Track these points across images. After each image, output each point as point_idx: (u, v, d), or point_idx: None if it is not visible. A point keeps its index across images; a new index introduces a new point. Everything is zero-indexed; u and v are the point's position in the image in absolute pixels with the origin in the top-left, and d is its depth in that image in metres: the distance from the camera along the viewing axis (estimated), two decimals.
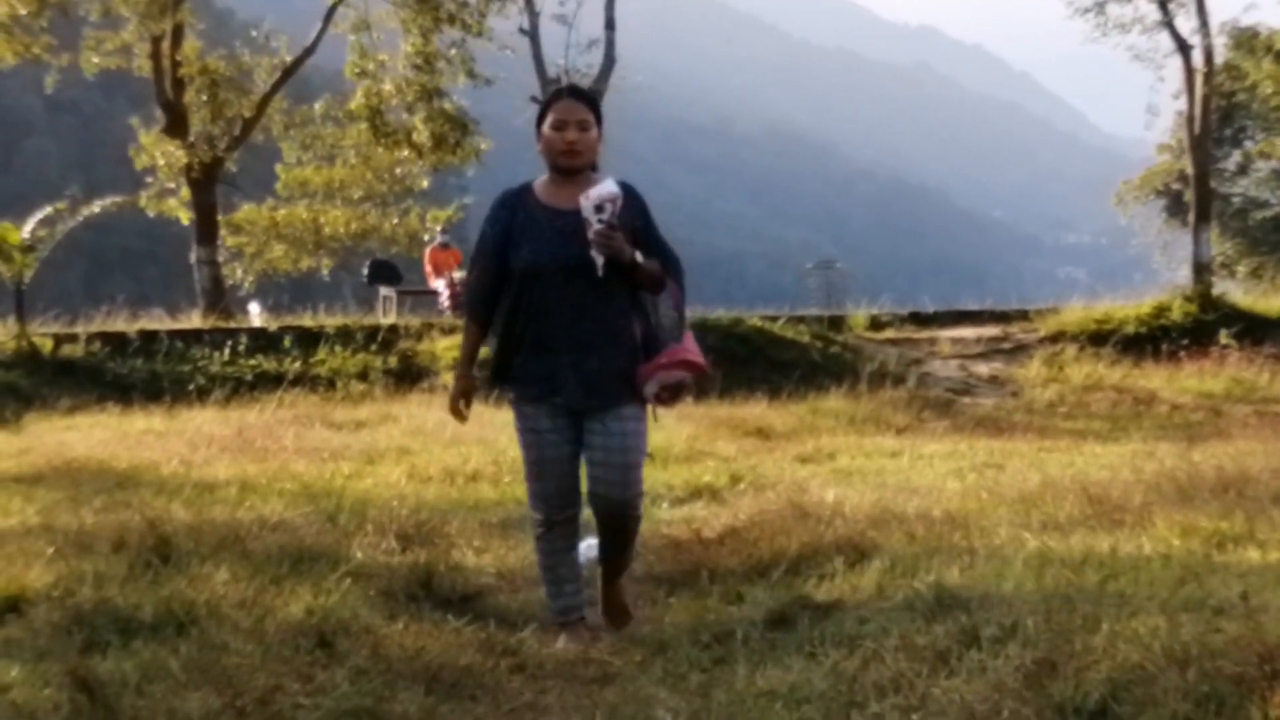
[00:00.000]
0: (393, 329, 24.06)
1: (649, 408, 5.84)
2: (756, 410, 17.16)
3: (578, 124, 5.46)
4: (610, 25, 29.26)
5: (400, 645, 5.68)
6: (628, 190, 5.73)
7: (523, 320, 5.36)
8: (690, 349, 5.72)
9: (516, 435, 5.88)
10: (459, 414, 5.76)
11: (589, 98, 5.90)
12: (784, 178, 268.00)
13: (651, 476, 10.69)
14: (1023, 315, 27.63)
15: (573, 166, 5.54)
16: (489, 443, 13.32)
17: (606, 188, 5.38)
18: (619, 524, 5.70)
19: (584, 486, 6.12)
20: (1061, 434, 16.74)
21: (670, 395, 5.80)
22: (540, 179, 5.67)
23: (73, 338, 22.19)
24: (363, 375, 21.55)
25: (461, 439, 13.77)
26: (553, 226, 5.36)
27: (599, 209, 5.26)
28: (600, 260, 5.31)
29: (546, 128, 5.50)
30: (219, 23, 31.72)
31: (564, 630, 5.77)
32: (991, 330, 26.51)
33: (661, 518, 9.16)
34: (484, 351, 6.25)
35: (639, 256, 5.53)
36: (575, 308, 5.37)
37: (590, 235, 5.29)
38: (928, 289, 32.76)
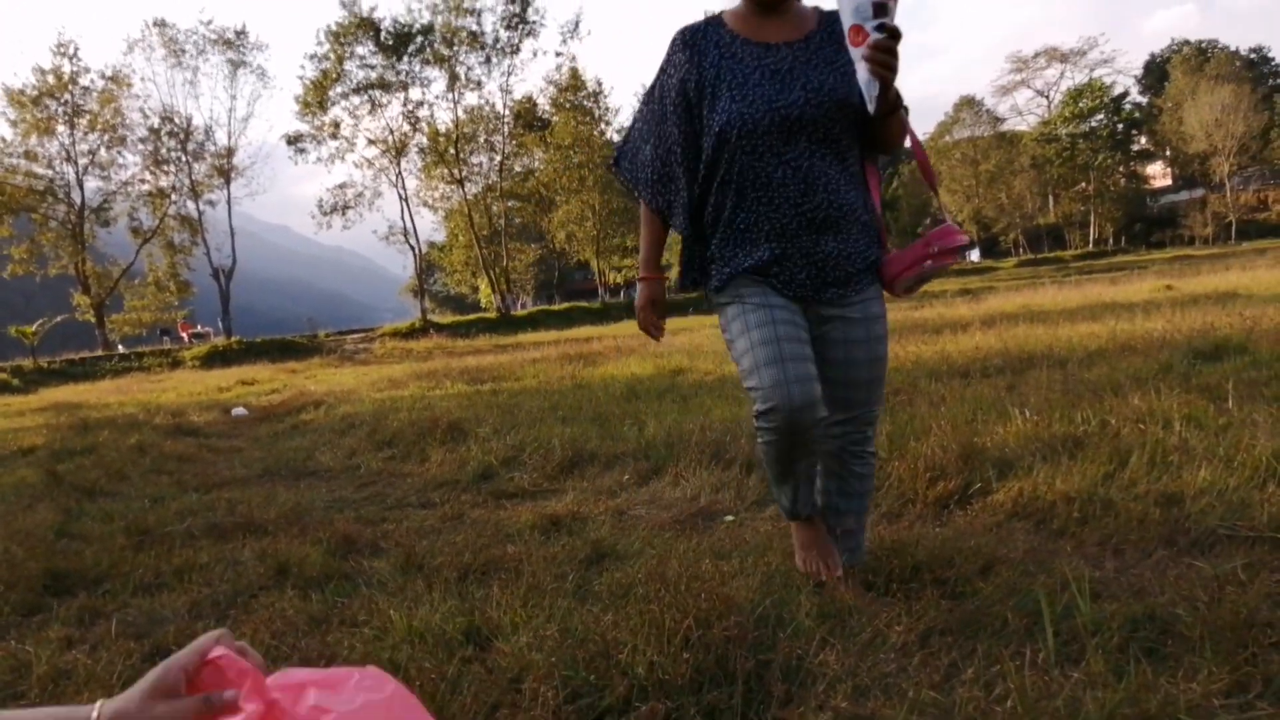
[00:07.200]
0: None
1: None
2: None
3: None
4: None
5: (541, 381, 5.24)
6: None
7: (727, 199, 1.04)
8: (955, 228, 1.05)
9: (731, 333, 1.11)
10: (650, 328, 1.17)
11: None
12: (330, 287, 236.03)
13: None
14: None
15: None
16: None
17: None
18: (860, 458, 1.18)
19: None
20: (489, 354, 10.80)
21: (918, 282, 1.09)
22: (730, 10, 1.12)
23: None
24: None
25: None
26: (762, 65, 1.02)
27: (878, 6, 0.86)
28: (875, 90, 0.92)
29: None
30: None
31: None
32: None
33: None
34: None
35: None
36: (801, 176, 1.01)
37: (864, 50, 0.90)
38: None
